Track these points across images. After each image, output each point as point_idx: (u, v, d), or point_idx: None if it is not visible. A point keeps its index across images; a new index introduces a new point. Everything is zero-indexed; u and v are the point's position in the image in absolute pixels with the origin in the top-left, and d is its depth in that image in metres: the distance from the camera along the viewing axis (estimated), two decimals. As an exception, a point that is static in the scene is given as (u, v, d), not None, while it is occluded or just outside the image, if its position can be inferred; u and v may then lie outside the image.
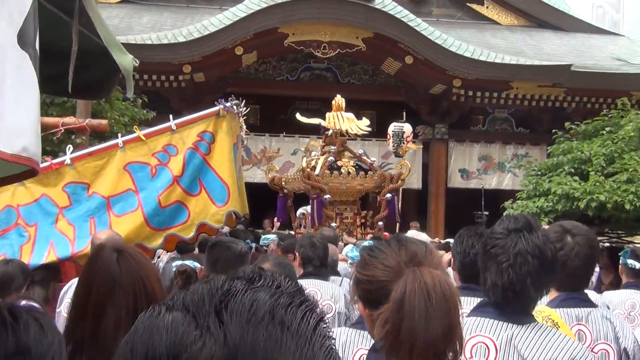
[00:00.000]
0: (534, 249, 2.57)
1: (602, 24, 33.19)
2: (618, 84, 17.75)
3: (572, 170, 11.48)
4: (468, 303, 3.00)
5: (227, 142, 6.13)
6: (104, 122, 8.97)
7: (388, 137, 14.41)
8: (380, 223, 10.77)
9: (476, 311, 2.70)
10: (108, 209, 5.87)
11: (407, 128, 14.31)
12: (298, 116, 11.89)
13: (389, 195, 10.74)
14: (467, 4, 22.70)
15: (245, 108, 6.45)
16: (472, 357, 2.56)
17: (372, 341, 2.68)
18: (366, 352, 2.68)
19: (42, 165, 6.07)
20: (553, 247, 2.68)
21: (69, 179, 5.94)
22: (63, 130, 8.42)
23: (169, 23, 19.41)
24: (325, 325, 0.97)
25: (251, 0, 17.20)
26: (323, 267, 5.65)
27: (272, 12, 16.96)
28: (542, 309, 3.20)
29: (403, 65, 18.07)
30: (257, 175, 19.23)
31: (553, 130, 13.53)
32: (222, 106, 6.11)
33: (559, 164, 11.85)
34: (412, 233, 6.47)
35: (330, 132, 11.06)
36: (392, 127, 14.29)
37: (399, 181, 11.04)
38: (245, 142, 9.91)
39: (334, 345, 0.98)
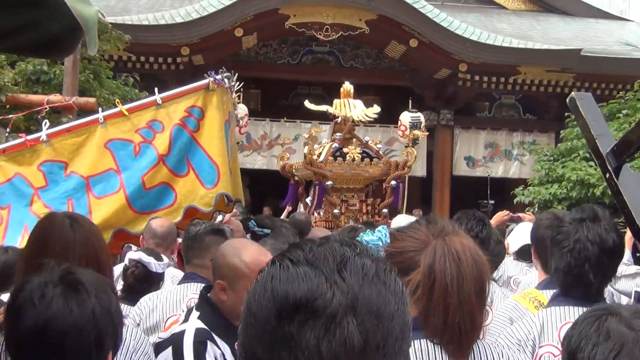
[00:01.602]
0: (594, 236, 2.75)
1: (609, 11, 32.62)
2: (629, 68, 17.18)
3: (587, 155, 10.95)
4: None
5: (217, 119, 5.59)
6: (92, 100, 8.48)
7: (404, 127, 14.10)
8: (385, 210, 10.57)
9: (554, 301, 2.89)
10: (87, 189, 5.37)
11: (421, 117, 14.09)
12: (306, 103, 11.73)
13: (393, 182, 10.62)
14: (474, -13, 22.16)
15: (237, 83, 5.93)
16: None
17: None
18: None
19: (16, 142, 5.62)
20: (616, 237, 2.81)
21: (45, 157, 5.44)
22: (48, 109, 7.96)
23: (167, 4, 18.90)
24: (404, 287, 1.24)
25: (251, -20, 16.74)
26: None
27: (272, -8, 16.43)
28: (530, 290, 3.58)
29: (407, 49, 17.52)
30: (258, 161, 18.92)
31: (566, 114, 13.02)
32: (212, 79, 5.58)
33: (573, 148, 11.33)
34: (401, 217, 6.44)
35: (339, 119, 10.93)
36: (409, 118, 13.94)
37: (405, 168, 10.88)
38: (240, 122, 9.49)
39: None
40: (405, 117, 13.98)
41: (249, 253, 2.98)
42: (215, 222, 5.80)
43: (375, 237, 3.29)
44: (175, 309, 3.97)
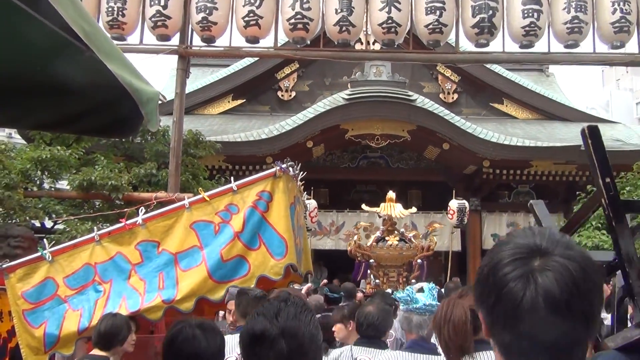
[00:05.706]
0: None
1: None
2: (620, 158, 16.04)
3: (599, 225, 9.99)
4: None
5: (283, 201, 4.97)
6: (190, 195, 8.05)
7: (452, 212, 13.85)
8: (414, 281, 11.03)
9: None
10: (175, 264, 4.79)
11: (466, 204, 14.42)
12: (363, 206, 12.86)
13: (419, 260, 11.48)
14: (490, 103, 21.50)
15: (300, 172, 5.34)
16: None
17: None
18: None
19: (117, 226, 5.11)
20: None
21: (141, 237, 4.90)
22: (155, 203, 7.56)
23: (256, 127, 18.72)
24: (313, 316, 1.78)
25: (317, 104, 16.54)
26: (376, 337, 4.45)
27: (334, 113, 16.11)
28: None
29: (442, 151, 16.89)
30: (328, 243, 18.30)
31: (577, 193, 12.11)
32: (278, 167, 5.02)
33: (587, 220, 10.38)
34: (417, 286, 6.54)
35: (385, 217, 12.02)
36: (456, 204, 13.94)
37: (429, 251, 11.77)
38: (308, 207, 8.96)
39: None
40: (453, 204, 13.97)
41: None
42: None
43: (404, 294, 3.52)
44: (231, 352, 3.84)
